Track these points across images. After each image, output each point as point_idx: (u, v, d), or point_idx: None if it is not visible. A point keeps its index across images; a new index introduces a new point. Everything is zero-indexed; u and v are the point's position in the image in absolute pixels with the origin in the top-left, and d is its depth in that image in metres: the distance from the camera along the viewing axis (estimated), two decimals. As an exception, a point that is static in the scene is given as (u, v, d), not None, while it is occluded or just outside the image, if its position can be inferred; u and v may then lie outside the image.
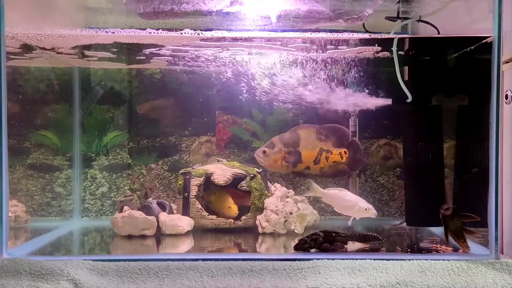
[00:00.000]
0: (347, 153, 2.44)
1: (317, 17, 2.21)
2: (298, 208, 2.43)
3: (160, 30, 2.10)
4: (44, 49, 2.31)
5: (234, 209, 2.47)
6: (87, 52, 2.42)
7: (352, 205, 2.37)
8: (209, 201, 2.55)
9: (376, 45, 2.23)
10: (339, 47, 2.26)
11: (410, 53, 2.29)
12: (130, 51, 2.43)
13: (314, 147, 2.43)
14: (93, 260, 1.77)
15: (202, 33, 2.10)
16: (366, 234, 2.10)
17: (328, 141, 2.43)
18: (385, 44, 2.24)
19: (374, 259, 1.77)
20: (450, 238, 1.94)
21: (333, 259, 1.77)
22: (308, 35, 2.14)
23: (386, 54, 2.33)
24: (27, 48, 2.29)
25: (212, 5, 2.10)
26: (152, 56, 2.46)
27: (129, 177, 2.81)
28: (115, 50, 2.37)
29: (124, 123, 2.85)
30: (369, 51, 2.31)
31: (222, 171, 2.53)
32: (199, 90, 2.80)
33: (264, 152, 2.43)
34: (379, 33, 2.20)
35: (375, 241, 2.09)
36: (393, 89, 2.34)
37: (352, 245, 2.07)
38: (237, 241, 2.34)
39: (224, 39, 2.17)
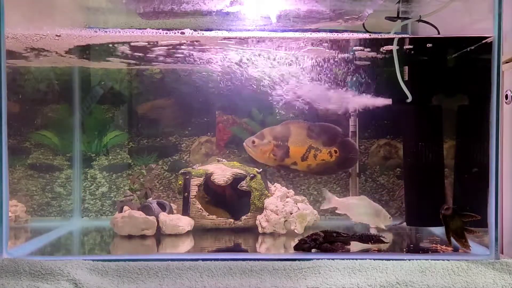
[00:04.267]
0: (337, 152, 2.43)
1: (317, 17, 2.21)
2: (298, 208, 2.43)
3: (160, 30, 2.10)
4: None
5: None
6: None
7: (378, 212, 2.38)
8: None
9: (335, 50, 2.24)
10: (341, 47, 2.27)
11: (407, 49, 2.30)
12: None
13: (303, 144, 2.42)
14: (93, 260, 1.77)
15: (202, 33, 2.10)
16: (368, 235, 2.08)
17: (318, 139, 2.42)
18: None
19: (374, 259, 1.77)
20: (452, 239, 1.94)
21: (333, 259, 1.77)
22: (308, 35, 2.14)
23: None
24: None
25: (212, 5, 2.10)
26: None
27: (129, 177, 2.81)
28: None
29: (124, 123, 2.85)
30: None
31: (222, 171, 2.53)
32: (199, 90, 2.80)
33: (253, 142, 2.42)
34: (379, 33, 2.20)
35: (378, 242, 2.07)
36: (393, 89, 2.34)
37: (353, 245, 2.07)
38: (237, 241, 2.34)
39: (224, 38, 2.17)
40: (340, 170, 2.60)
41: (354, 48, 2.27)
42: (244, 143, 2.46)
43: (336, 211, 2.48)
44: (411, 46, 2.25)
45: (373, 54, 2.33)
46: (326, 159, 2.42)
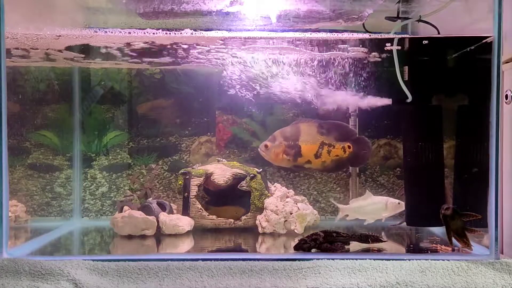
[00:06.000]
0: (351, 147, 2.44)
1: (317, 17, 2.21)
2: (298, 208, 2.44)
3: (160, 30, 2.10)
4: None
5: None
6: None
7: (382, 205, 2.39)
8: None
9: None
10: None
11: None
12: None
13: (315, 141, 2.43)
14: (93, 260, 1.77)
15: (202, 33, 2.10)
16: (367, 235, 2.09)
17: (330, 136, 2.43)
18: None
19: (374, 259, 1.77)
20: (453, 239, 1.94)
21: (333, 259, 1.77)
22: (308, 35, 2.14)
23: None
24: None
25: (212, 5, 2.10)
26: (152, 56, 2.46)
27: (129, 177, 2.81)
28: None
29: (124, 123, 2.85)
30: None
31: (222, 171, 2.53)
32: (199, 90, 2.80)
33: (266, 146, 2.44)
34: (379, 33, 2.20)
35: (376, 242, 2.08)
36: (393, 89, 2.34)
37: (353, 245, 2.07)
38: (237, 241, 2.34)
39: (224, 38, 2.17)
40: (353, 165, 2.60)
41: (353, 48, 2.28)
42: (258, 148, 2.48)
43: (347, 219, 2.51)
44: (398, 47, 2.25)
45: (373, 54, 2.33)
46: (340, 155, 2.42)
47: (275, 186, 2.64)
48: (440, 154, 2.27)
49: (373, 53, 2.33)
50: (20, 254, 1.90)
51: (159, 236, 2.38)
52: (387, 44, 2.22)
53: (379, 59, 2.39)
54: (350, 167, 2.77)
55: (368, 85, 2.40)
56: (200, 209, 2.47)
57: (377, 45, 2.26)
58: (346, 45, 2.24)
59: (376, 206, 2.44)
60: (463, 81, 2.29)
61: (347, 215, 2.51)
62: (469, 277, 1.67)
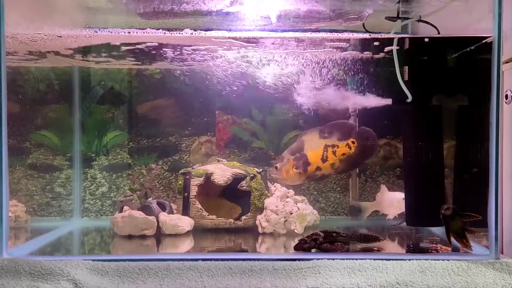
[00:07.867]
0: (355, 142, 2.44)
1: (317, 17, 2.21)
2: (298, 208, 2.44)
3: (160, 30, 2.10)
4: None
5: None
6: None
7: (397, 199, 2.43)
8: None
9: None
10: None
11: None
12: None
13: (318, 146, 2.44)
14: (93, 260, 1.77)
15: (202, 33, 2.10)
16: (367, 234, 2.10)
17: (331, 137, 2.44)
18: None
19: (374, 259, 1.77)
20: (453, 239, 1.94)
21: (333, 259, 1.77)
22: (308, 35, 2.14)
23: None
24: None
25: (212, 5, 2.10)
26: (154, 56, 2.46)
27: (129, 177, 2.81)
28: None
29: (124, 123, 2.85)
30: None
31: (222, 171, 2.53)
32: (199, 90, 2.80)
33: (276, 167, 2.46)
34: (379, 33, 2.20)
35: (376, 241, 2.08)
36: (393, 89, 2.34)
37: (353, 245, 2.07)
38: (237, 241, 2.34)
39: (224, 39, 2.18)
40: (364, 160, 2.58)
41: (351, 48, 2.28)
42: (271, 174, 2.50)
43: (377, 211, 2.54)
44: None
45: (372, 54, 2.33)
46: (347, 152, 2.42)
47: (275, 186, 2.64)
48: (440, 154, 2.27)
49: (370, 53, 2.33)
50: (20, 254, 1.90)
51: (159, 236, 2.38)
52: (375, 43, 2.22)
53: (380, 59, 2.39)
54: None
55: (368, 85, 2.40)
56: (200, 209, 2.47)
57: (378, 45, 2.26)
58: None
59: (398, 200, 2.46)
60: (463, 81, 2.29)
61: (376, 211, 2.53)
62: (469, 277, 1.67)
